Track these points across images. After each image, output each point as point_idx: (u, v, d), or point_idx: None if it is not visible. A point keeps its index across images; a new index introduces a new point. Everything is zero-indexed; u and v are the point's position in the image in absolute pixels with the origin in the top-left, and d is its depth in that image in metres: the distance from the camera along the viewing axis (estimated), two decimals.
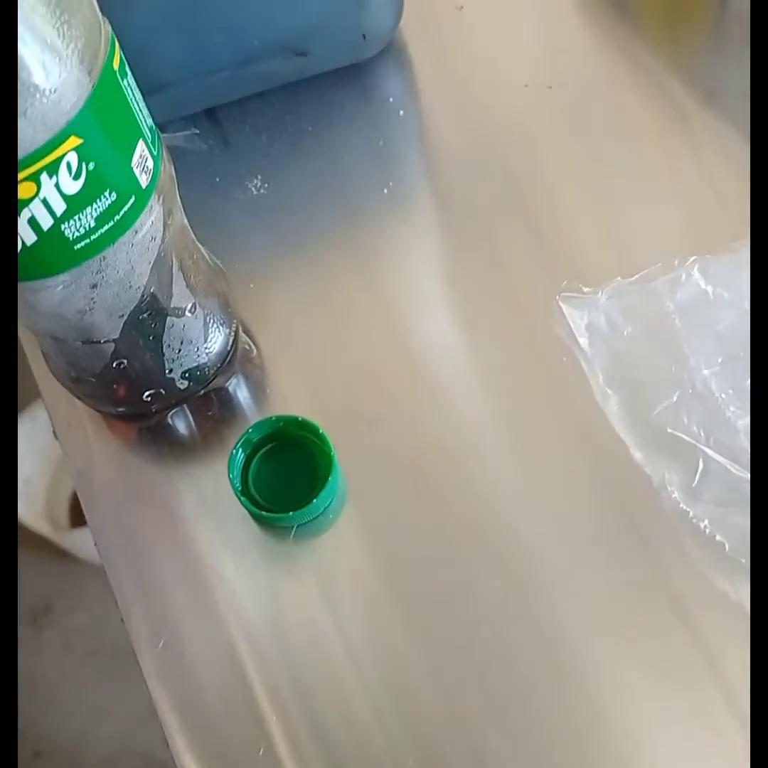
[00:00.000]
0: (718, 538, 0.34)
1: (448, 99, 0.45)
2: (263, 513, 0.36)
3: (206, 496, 0.38)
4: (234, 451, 0.36)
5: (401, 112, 0.44)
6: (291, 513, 0.35)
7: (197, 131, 0.43)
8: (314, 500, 0.35)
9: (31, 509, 1.11)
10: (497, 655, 0.34)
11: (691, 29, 0.48)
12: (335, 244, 0.42)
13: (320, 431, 0.36)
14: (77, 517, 1.16)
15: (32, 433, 1.14)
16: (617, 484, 0.36)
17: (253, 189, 0.43)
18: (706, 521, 0.34)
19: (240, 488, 0.36)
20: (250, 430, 0.37)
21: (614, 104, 0.45)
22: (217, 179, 0.43)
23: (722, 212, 0.41)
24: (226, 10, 0.38)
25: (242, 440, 0.37)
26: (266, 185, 0.43)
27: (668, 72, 0.46)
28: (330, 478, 0.36)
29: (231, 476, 0.36)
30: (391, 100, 0.44)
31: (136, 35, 0.37)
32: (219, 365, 0.37)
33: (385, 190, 0.42)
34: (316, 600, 0.35)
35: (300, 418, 0.37)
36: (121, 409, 0.38)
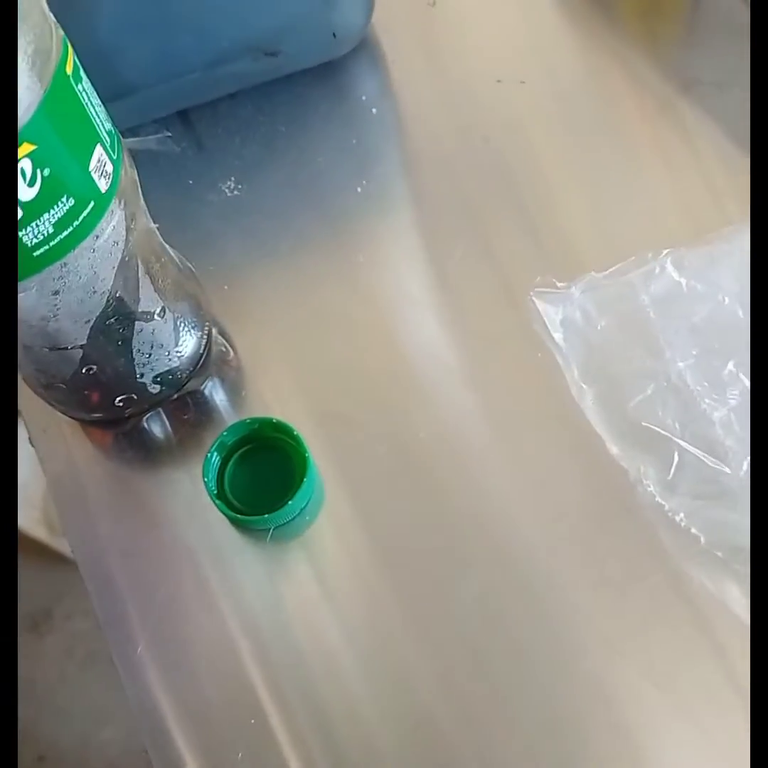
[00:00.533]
0: (693, 531, 0.34)
1: (422, 96, 0.45)
2: (239, 516, 0.36)
3: (185, 499, 0.38)
4: (209, 455, 0.36)
5: (374, 110, 0.44)
6: (266, 515, 0.35)
7: (169, 134, 0.43)
8: (289, 502, 0.35)
9: (29, 514, 1.11)
10: (487, 643, 0.34)
11: (667, 21, 0.48)
12: (311, 244, 0.42)
13: (295, 432, 0.36)
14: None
15: (24, 437, 1.14)
16: (594, 478, 0.36)
17: (227, 191, 0.42)
18: (682, 514, 0.34)
19: (215, 492, 0.36)
20: (225, 433, 0.37)
21: (591, 96, 0.44)
22: (191, 182, 0.43)
23: (708, 201, 0.41)
24: (193, 11, 0.38)
25: (217, 443, 0.37)
26: (240, 187, 0.42)
27: (645, 63, 0.45)
28: (305, 479, 0.36)
29: (206, 479, 0.36)
30: (364, 98, 0.44)
31: (103, 38, 0.37)
32: (192, 369, 0.37)
33: (360, 189, 0.42)
34: (298, 598, 0.35)
35: (274, 420, 0.37)
36: (95, 415, 0.38)
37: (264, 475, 0.37)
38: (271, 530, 0.36)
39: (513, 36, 0.46)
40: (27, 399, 0.38)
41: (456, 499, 0.36)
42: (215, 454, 0.37)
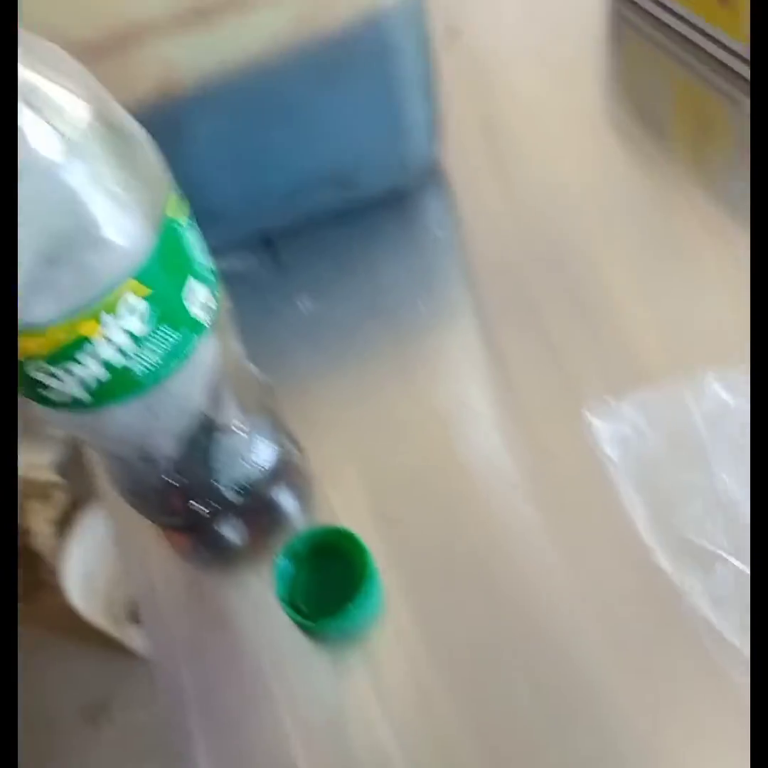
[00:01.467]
0: (738, 644, 0.34)
1: (484, 217, 0.48)
2: (305, 620, 0.37)
3: (253, 601, 0.40)
4: (279, 559, 0.38)
5: (439, 233, 0.47)
6: (331, 620, 0.37)
7: (251, 254, 0.47)
8: (352, 608, 0.37)
9: (91, 604, 1.13)
10: (544, 744, 0.35)
11: (717, 143, 0.50)
12: (378, 356, 0.44)
13: (359, 542, 0.38)
14: (137, 612, 1.17)
15: (95, 530, 1.17)
16: (644, 588, 0.37)
17: (302, 306, 0.46)
18: (728, 627, 0.35)
19: (284, 596, 0.38)
20: (295, 540, 0.39)
21: (649, 213, 0.47)
22: (269, 299, 0.46)
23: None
24: (279, 148, 0.42)
25: (287, 549, 0.39)
26: (314, 303, 0.46)
27: (697, 183, 0.48)
28: (367, 586, 0.37)
29: (276, 584, 0.38)
30: (429, 222, 0.47)
31: (196, 172, 0.41)
32: (266, 476, 0.39)
33: (426, 305, 0.45)
34: (362, 700, 0.37)
35: (341, 529, 0.39)
36: (173, 519, 0.40)
37: (330, 581, 0.39)
38: (335, 634, 0.38)
39: (571, 156, 0.49)
40: (111, 499, 0.41)
41: (511, 605, 0.38)
42: (285, 559, 0.39)
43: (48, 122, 0.26)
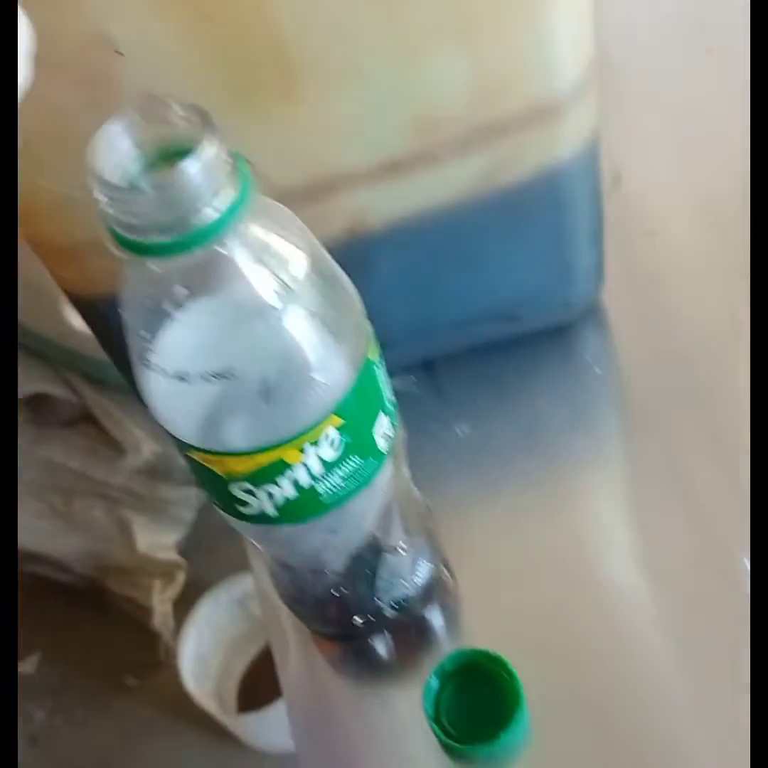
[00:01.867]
0: None
1: (643, 356, 0.49)
2: (453, 743, 0.38)
3: (397, 718, 0.41)
4: (429, 679, 0.39)
5: (597, 370, 0.48)
6: (479, 745, 0.38)
7: (414, 379, 0.49)
8: (501, 735, 0.38)
9: (203, 687, 1.15)
10: None
11: None
12: (531, 487, 0.46)
13: (510, 668, 0.39)
14: (245, 701, 1.19)
15: (213, 612, 1.20)
16: None
17: (460, 432, 0.48)
18: None
19: (433, 716, 0.39)
20: (446, 660, 0.40)
21: None
22: (427, 422, 0.48)
23: None
24: (451, 283, 0.44)
25: (437, 669, 0.40)
26: (471, 430, 0.48)
27: None
28: (518, 715, 0.38)
29: (425, 703, 0.39)
30: (588, 358, 0.49)
31: (372, 300, 0.44)
32: (422, 596, 0.41)
33: (581, 440, 0.46)
34: None
35: (492, 653, 0.40)
36: (328, 629, 0.42)
37: (477, 705, 0.40)
38: (480, 759, 0.39)
39: (723, 302, 0.50)
40: (273, 611, 0.43)
41: (655, 744, 0.38)
42: (435, 678, 0.40)
43: (274, 274, 0.29)
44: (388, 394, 0.34)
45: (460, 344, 0.49)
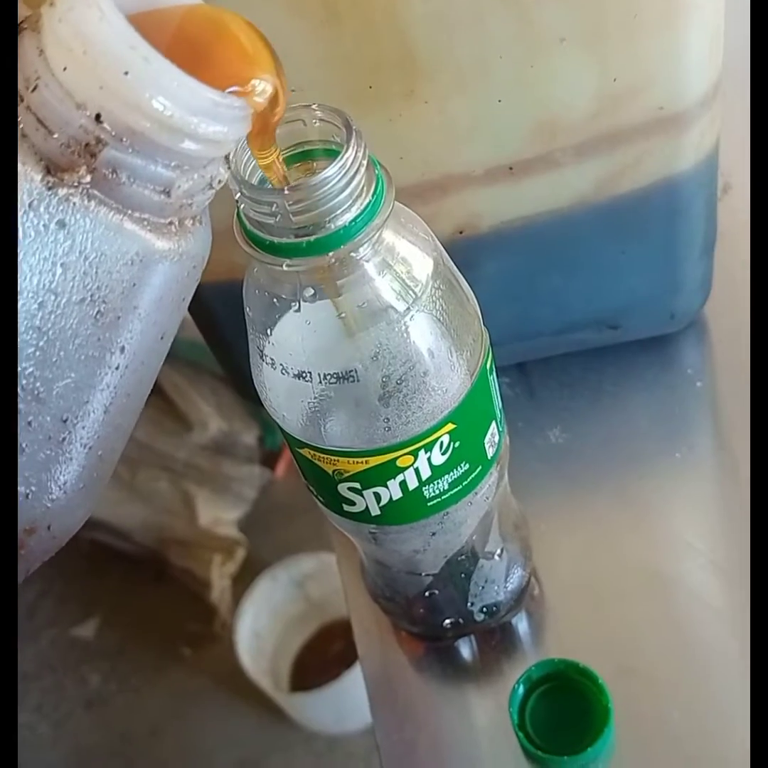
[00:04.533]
0: None
1: (741, 371, 0.48)
2: (538, 752, 0.38)
3: (477, 725, 0.41)
4: (516, 686, 0.39)
5: (699, 384, 0.47)
6: (565, 757, 0.38)
7: (507, 380, 0.49)
8: (589, 748, 0.37)
9: (257, 664, 1.17)
10: None
11: None
12: (623, 499, 0.45)
13: (599, 680, 0.39)
14: (297, 681, 1.20)
15: (271, 591, 1.21)
16: None
17: (552, 437, 0.47)
18: None
19: (518, 723, 0.39)
20: (533, 668, 0.40)
21: None
22: (520, 425, 0.48)
23: None
24: (556, 289, 0.44)
25: (524, 677, 0.40)
26: (565, 435, 0.47)
27: None
28: (606, 729, 0.38)
29: (511, 710, 0.39)
30: (689, 371, 0.48)
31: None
32: (512, 602, 0.41)
33: (678, 455, 0.46)
34: None
35: (581, 665, 0.39)
36: (415, 628, 0.42)
37: (562, 716, 0.39)
38: None
39: None
40: (359, 606, 0.43)
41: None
42: (522, 686, 0.40)
43: (401, 278, 0.29)
44: (498, 401, 0.34)
45: (558, 349, 0.48)
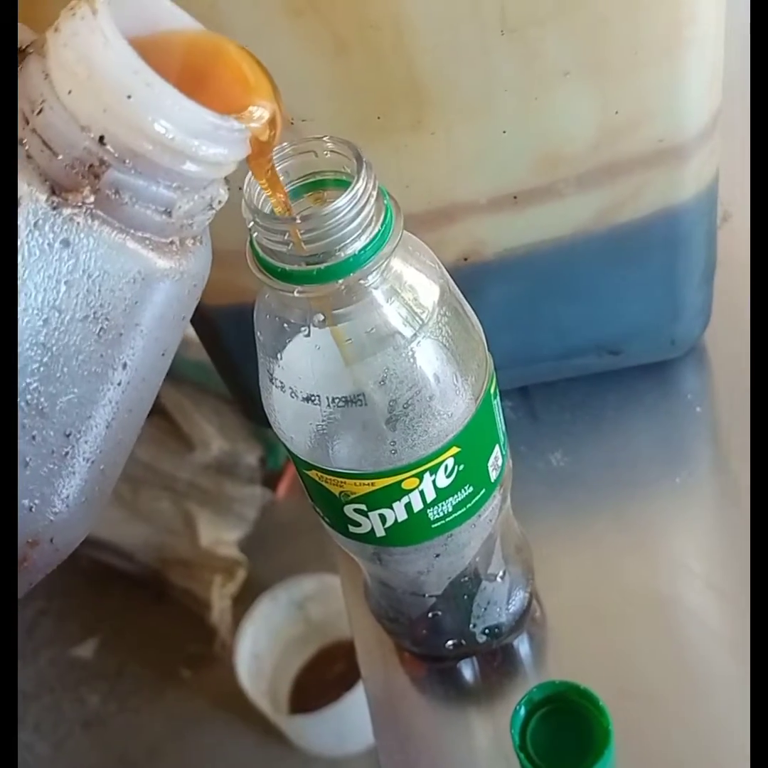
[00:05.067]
0: None
1: (745, 396, 0.49)
2: None
3: (479, 746, 0.41)
4: (517, 708, 0.40)
5: (698, 409, 0.48)
6: None
7: (509, 403, 0.50)
8: None
9: (257, 685, 1.17)
10: None
11: None
12: (623, 522, 0.46)
13: (600, 703, 0.39)
14: (297, 703, 1.20)
15: (271, 612, 1.21)
16: None
17: (554, 461, 0.48)
18: None
19: (519, 744, 0.39)
20: (535, 690, 0.40)
21: None
22: (522, 448, 0.48)
23: None
24: (557, 315, 0.45)
25: (526, 698, 0.40)
26: (566, 459, 0.48)
27: None
28: (606, 751, 0.38)
29: (512, 731, 0.39)
30: (689, 396, 0.49)
31: None
32: (514, 624, 0.41)
33: (678, 479, 0.46)
34: None
35: (582, 687, 0.40)
36: (418, 649, 0.42)
37: (563, 738, 0.40)
38: None
39: None
40: (362, 627, 0.44)
41: None
42: (523, 708, 0.40)
43: (409, 305, 0.29)
44: (501, 425, 0.35)
45: (560, 374, 0.49)
